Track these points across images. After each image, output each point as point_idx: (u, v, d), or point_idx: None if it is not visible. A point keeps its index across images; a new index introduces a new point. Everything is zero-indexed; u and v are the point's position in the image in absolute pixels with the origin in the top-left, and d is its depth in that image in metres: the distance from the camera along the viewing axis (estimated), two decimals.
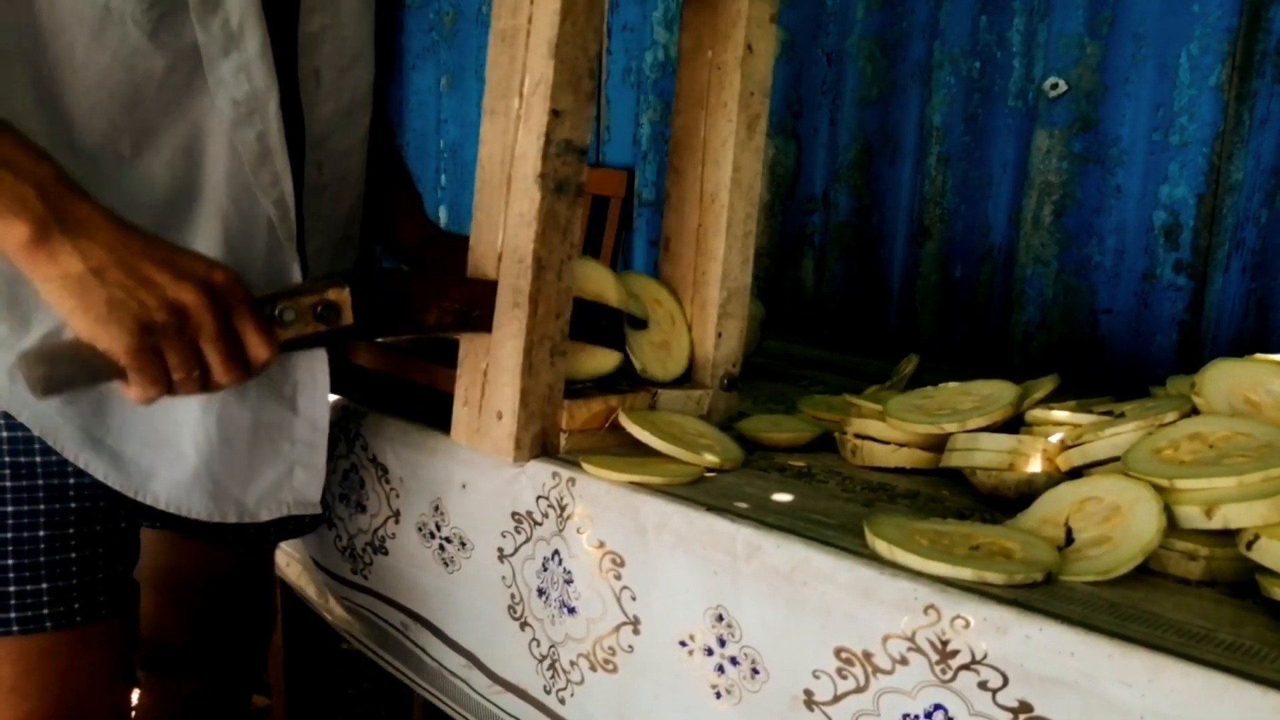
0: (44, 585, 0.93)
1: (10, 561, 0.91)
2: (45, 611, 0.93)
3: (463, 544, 1.08)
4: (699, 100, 1.12)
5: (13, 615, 0.92)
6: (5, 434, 0.92)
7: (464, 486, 1.06)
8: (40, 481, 0.93)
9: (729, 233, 1.11)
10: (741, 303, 1.15)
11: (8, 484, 0.92)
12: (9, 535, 0.92)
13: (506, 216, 0.99)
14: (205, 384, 0.81)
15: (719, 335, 1.13)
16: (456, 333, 1.01)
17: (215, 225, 0.93)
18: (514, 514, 1.02)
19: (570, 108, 0.96)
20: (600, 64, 2.19)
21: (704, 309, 1.13)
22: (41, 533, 0.93)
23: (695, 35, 1.12)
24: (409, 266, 1.28)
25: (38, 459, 0.93)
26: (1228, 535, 0.78)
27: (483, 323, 1.00)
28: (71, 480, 0.94)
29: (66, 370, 0.77)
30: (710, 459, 0.99)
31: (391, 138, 1.19)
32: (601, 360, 1.09)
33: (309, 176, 1.02)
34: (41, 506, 0.93)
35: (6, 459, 0.92)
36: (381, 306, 0.94)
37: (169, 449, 0.97)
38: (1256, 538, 0.74)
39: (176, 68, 0.89)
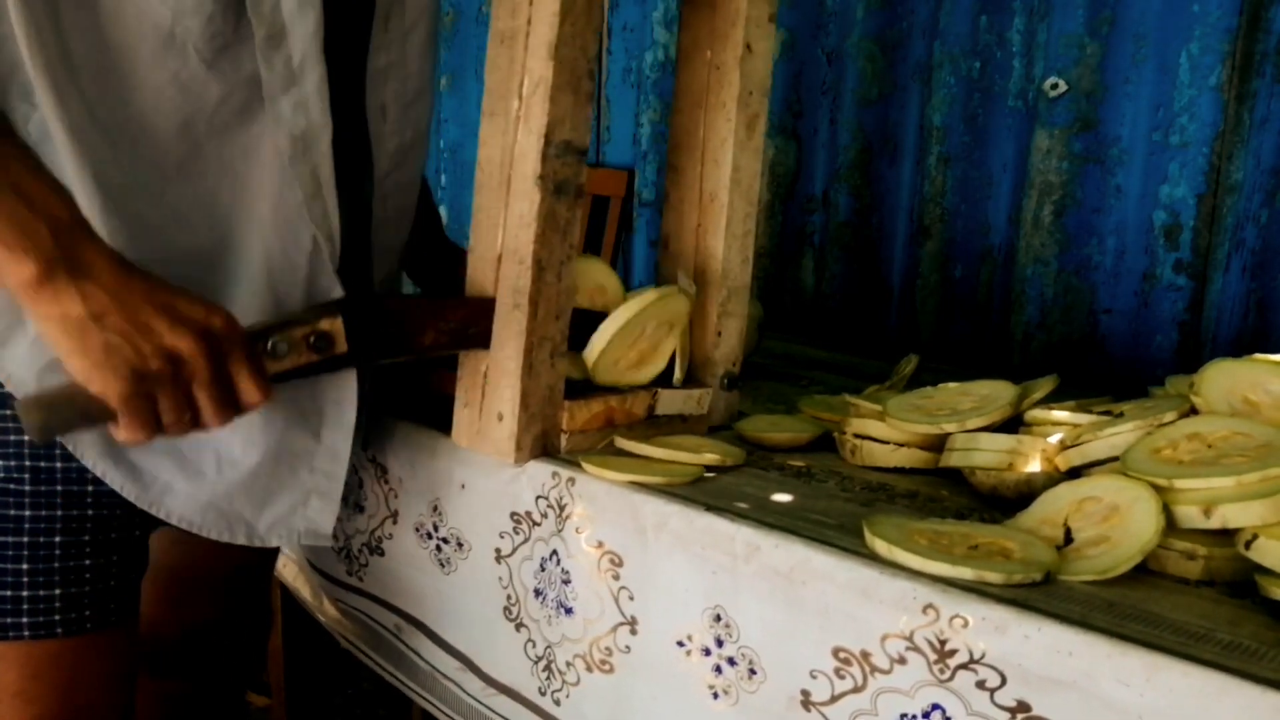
0: (57, 591, 0.93)
1: (25, 566, 0.91)
2: (57, 617, 0.93)
3: (460, 545, 1.08)
4: (698, 100, 1.12)
5: (25, 620, 0.92)
6: (26, 438, 0.92)
7: (463, 487, 1.06)
8: (59, 488, 0.93)
9: (728, 232, 1.11)
10: (741, 302, 1.14)
11: (26, 488, 0.92)
12: (25, 540, 0.92)
13: (506, 218, 0.98)
14: (195, 426, 0.82)
15: (719, 334, 1.13)
16: (454, 351, 1.01)
17: (258, 251, 0.94)
18: (513, 514, 1.02)
19: (570, 109, 0.96)
20: (600, 64, 2.19)
21: (703, 308, 1.13)
22: (58, 539, 0.93)
23: (694, 35, 1.12)
24: (425, 285, 1.29)
25: (58, 464, 0.92)
26: (1226, 535, 0.78)
27: (480, 340, 1.00)
28: (90, 487, 0.94)
29: (63, 415, 0.78)
30: (710, 457, 0.98)
31: None
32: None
33: (375, 210, 1.04)
34: (59, 512, 0.93)
35: (27, 463, 0.92)
36: (376, 332, 0.94)
37: (188, 465, 0.96)
38: (1255, 537, 0.74)
39: (230, 98, 0.90)
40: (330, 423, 1.02)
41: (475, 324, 0.99)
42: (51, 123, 0.84)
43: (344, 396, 1.01)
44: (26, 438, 0.91)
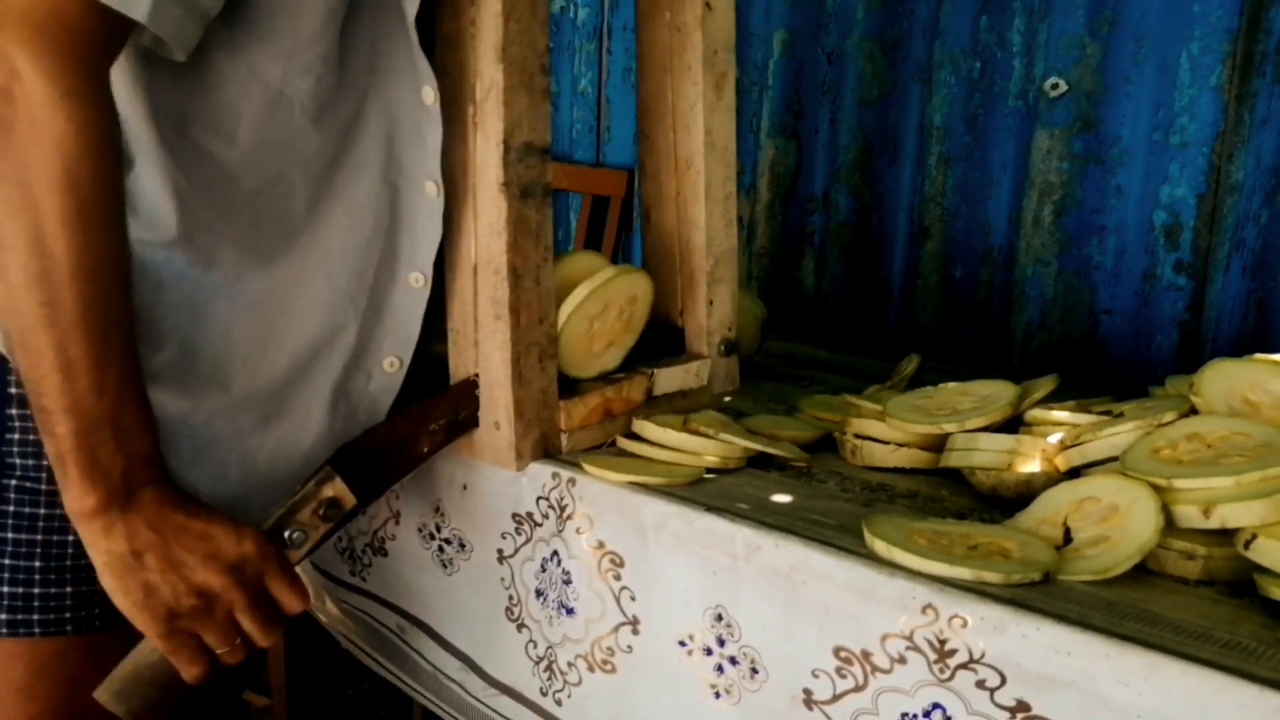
0: (68, 589, 0.93)
1: (38, 564, 0.92)
2: (67, 615, 0.93)
3: (462, 545, 1.08)
4: (662, 64, 1.08)
5: (35, 617, 0.92)
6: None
7: (465, 488, 1.06)
8: None
9: (708, 197, 1.09)
10: (730, 266, 1.12)
11: (42, 487, 0.92)
12: (39, 538, 0.92)
13: (476, 227, 0.97)
14: (249, 649, 0.87)
15: (710, 303, 1.11)
16: (451, 442, 1.03)
17: (344, 286, 0.97)
18: (514, 515, 1.02)
19: (526, 109, 0.94)
20: (600, 64, 2.19)
21: (692, 278, 1.11)
22: (70, 537, 0.93)
23: None
24: None
25: None
26: (1225, 535, 0.78)
27: (472, 420, 1.01)
28: None
29: (140, 696, 0.86)
30: (711, 459, 0.99)
31: None
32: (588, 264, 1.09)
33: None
34: None
35: (44, 461, 0.91)
36: (374, 471, 0.96)
37: (214, 467, 0.97)
38: (1254, 537, 0.74)
39: (325, 147, 0.93)
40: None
41: (463, 409, 1.01)
42: (148, 172, 0.86)
43: (376, 420, 1.02)
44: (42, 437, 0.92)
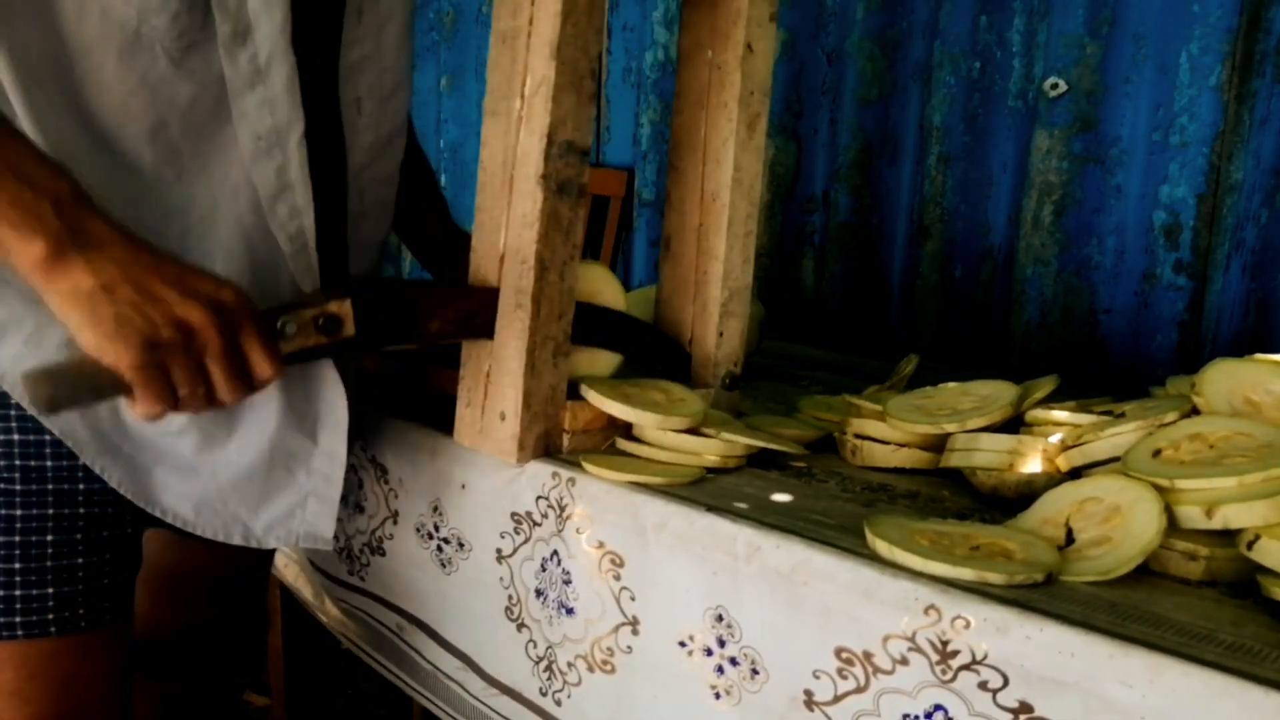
0: (50, 590, 0.92)
1: (17, 566, 0.91)
2: (50, 616, 0.93)
3: (461, 545, 1.08)
4: (699, 100, 1.12)
5: (18, 620, 0.92)
6: (16, 437, 0.91)
7: (464, 487, 1.06)
8: (50, 486, 0.92)
9: (730, 232, 1.11)
10: (743, 302, 1.15)
11: (17, 488, 0.91)
12: (16, 539, 0.91)
13: (509, 217, 0.98)
14: (210, 400, 0.82)
15: (720, 335, 1.13)
16: (459, 339, 1.01)
17: (241, 252, 0.94)
18: (513, 514, 1.02)
19: (572, 109, 0.96)
20: (600, 64, 2.19)
21: (705, 308, 1.13)
22: (49, 537, 0.92)
23: (695, 35, 1.12)
24: (431, 267, 1.28)
25: (48, 463, 0.92)
26: (1228, 535, 0.78)
27: (485, 329, 1.00)
28: (81, 486, 0.94)
29: (71, 388, 0.77)
30: (711, 458, 0.98)
31: (413, 136, 1.19)
32: (605, 361, 1.09)
33: (351, 205, 1.03)
34: (50, 511, 0.93)
35: (17, 462, 0.92)
36: (383, 317, 0.94)
37: (182, 463, 0.96)
38: (1257, 538, 0.74)
39: (201, 97, 0.89)
40: (326, 425, 1.02)
41: (481, 313, 0.99)
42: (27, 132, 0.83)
43: (335, 399, 1.01)
44: (17, 436, 0.91)
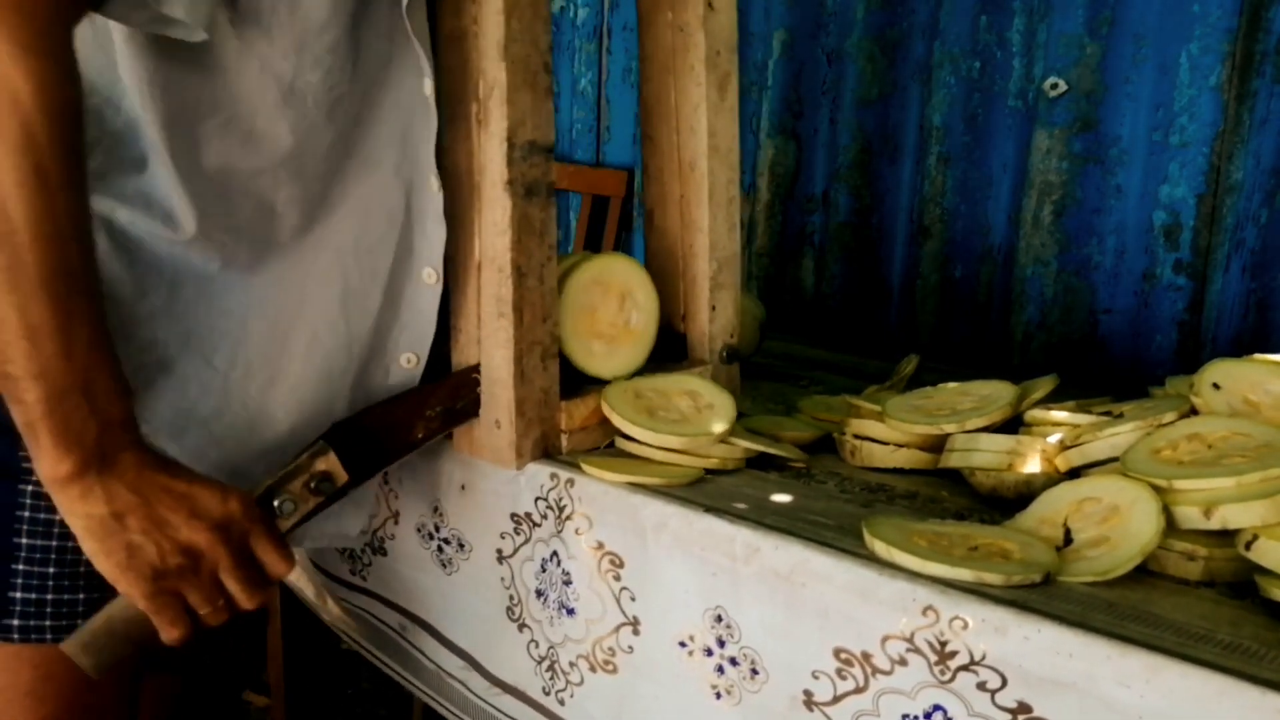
0: (81, 595, 0.93)
1: (52, 570, 0.92)
2: (79, 622, 0.93)
3: (461, 545, 1.08)
4: (665, 65, 1.08)
5: (48, 623, 0.92)
6: None
7: (463, 488, 1.06)
8: None
9: (712, 201, 1.08)
10: (733, 271, 1.12)
11: None
12: (54, 544, 0.91)
13: (480, 225, 0.97)
14: (232, 610, 0.86)
15: (713, 308, 1.11)
16: (450, 430, 1.03)
17: (335, 268, 0.97)
18: (513, 515, 1.02)
19: (530, 107, 0.94)
20: (600, 64, 2.19)
21: (695, 283, 1.11)
22: None
23: None
24: None
25: None
26: (1226, 536, 0.78)
27: (472, 409, 1.01)
28: None
29: (109, 652, 0.85)
30: (711, 460, 0.98)
31: None
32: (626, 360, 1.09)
33: None
34: None
35: None
36: (368, 450, 0.96)
37: (224, 467, 0.97)
38: (1255, 538, 0.74)
39: (337, 141, 0.93)
40: None
41: (462, 398, 1.01)
42: (161, 173, 0.86)
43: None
44: None
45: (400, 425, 0.99)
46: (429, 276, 0.99)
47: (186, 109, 0.86)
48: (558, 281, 1.02)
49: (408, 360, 1.01)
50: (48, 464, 0.77)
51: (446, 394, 1.00)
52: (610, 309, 1.07)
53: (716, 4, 1.05)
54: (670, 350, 1.12)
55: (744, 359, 1.26)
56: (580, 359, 1.05)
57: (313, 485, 0.91)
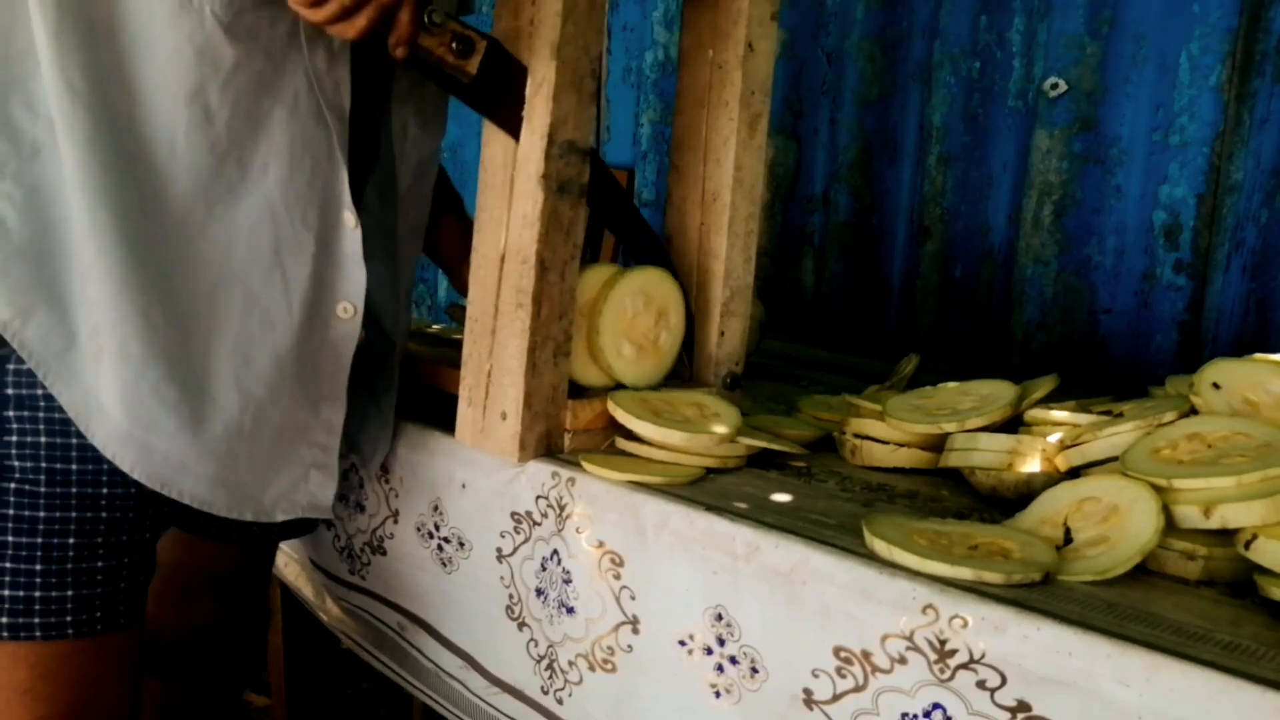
0: (69, 593, 0.93)
1: (38, 567, 0.92)
2: (69, 619, 0.93)
3: (461, 544, 1.08)
4: (700, 100, 1.12)
5: (36, 620, 0.92)
6: (44, 439, 0.92)
7: (464, 486, 1.06)
8: (74, 490, 0.93)
9: (731, 231, 1.11)
10: (744, 301, 1.15)
11: (42, 490, 0.92)
12: (39, 541, 0.92)
13: (509, 218, 0.99)
14: (347, 17, 0.85)
15: (721, 334, 1.13)
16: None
17: (265, 218, 0.95)
18: (513, 514, 1.02)
19: (573, 108, 0.96)
20: (600, 64, 2.19)
21: (706, 308, 1.13)
22: (71, 540, 0.93)
23: (696, 34, 1.12)
24: (444, 266, 1.29)
25: (74, 467, 0.93)
26: (1226, 535, 0.78)
27: (518, 102, 0.99)
28: (105, 490, 0.94)
29: None
30: (710, 459, 0.98)
31: None
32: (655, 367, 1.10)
33: (400, 226, 1.07)
34: (73, 514, 0.93)
35: (43, 465, 0.92)
36: (501, 74, 0.96)
37: (199, 435, 0.96)
38: (1254, 537, 0.74)
39: (243, 65, 0.91)
40: (328, 401, 1.03)
41: (512, 77, 0.99)
42: (57, 100, 0.85)
43: (340, 374, 1.03)
44: (44, 439, 0.92)
45: (515, 93, 0.98)
46: (349, 221, 0.99)
47: (78, 22, 0.85)
48: (609, 280, 1.04)
49: (344, 310, 1.01)
50: None
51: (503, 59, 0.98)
52: (647, 320, 1.09)
53: (757, 48, 1.09)
54: (674, 372, 1.14)
55: (745, 359, 1.27)
56: (610, 355, 1.06)
57: (455, 46, 0.93)
